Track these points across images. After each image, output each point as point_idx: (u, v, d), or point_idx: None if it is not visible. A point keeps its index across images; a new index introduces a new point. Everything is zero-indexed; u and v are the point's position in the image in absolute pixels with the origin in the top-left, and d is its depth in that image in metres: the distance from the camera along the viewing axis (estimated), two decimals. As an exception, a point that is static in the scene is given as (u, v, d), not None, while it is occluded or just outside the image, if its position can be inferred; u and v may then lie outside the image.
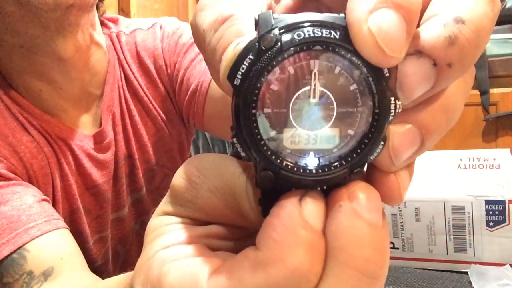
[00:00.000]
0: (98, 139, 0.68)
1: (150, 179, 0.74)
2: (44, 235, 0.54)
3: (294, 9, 0.23)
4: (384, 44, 0.16)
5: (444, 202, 0.68)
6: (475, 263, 0.66)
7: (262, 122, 0.18)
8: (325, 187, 0.18)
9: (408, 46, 0.17)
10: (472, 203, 0.66)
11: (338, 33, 0.17)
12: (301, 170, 0.18)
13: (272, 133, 0.18)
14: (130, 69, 0.71)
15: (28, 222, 0.54)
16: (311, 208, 0.17)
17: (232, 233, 0.22)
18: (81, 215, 0.67)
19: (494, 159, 0.74)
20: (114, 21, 0.75)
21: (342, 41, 0.17)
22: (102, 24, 0.72)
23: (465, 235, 0.67)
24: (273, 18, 0.17)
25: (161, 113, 0.72)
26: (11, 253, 0.53)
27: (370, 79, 0.17)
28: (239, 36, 0.19)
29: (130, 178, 0.72)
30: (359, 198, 0.18)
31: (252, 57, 0.17)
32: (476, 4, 0.17)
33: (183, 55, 0.70)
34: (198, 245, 0.21)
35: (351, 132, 0.18)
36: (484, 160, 0.74)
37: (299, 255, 0.17)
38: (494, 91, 1.82)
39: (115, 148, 0.69)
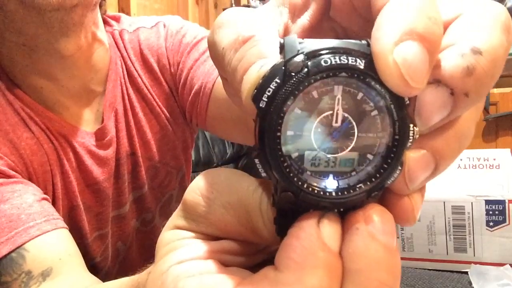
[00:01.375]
0: (100, 136, 0.68)
1: (152, 177, 0.74)
2: (43, 235, 0.54)
3: (310, 29, 0.24)
4: (408, 75, 0.16)
5: (444, 202, 0.68)
6: (475, 263, 0.66)
7: (285, 144, 0.18)
8: (342, 210, 0.19)
9: (429, 76, 0.17)
10: (472, 203, 0.66)
11: (363, 61, 0.17)
12: (321, 192, 0.18)
13: (294, 155, 0.18)
14: (134, 67, 0.71)
15: (28, 221, 0.54)
16: (329, 230, 0.18)
17: (244, 249, 0.22)
18: (81, 212, 0.67)
19: (494, 159, 0.74)
20: (117, 19, 0.75)
21: (367, 69, 0.17)
22: (104, 22, 0.72)
23: (465, 235, 0.67)
24: (299, 43, 0.18)
25: (165, 111, 0.72)
26: (10, 252, 0.53)
27: (392, 106, 0.17)
28: (261, 58, 0.19)
29: (133, 175, 0.72)
30: (375, 221, 0.18)
31: (278, 81, 0.17)
32: (493, 34, 0.18)
33: (186, 54, 0.70)
34: (213, 261, 0.21)
35: (370, 156, 0.18)
36: (484, 160, 0.74)
37: (319, 276, 0.17)
38: (494, 91, 1.83)
39: (117, 145, 0.69)
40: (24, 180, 0.60)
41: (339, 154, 0.18)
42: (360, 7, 0.21)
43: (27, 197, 0.56)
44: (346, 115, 0.18)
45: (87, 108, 0.68)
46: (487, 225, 0.66)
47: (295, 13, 0.24)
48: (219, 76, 0.66)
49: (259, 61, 0.19)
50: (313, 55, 0.17)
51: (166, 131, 0.73)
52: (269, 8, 0.24)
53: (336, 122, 0.18)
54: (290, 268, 0.18)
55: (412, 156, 0.19)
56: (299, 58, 0.17)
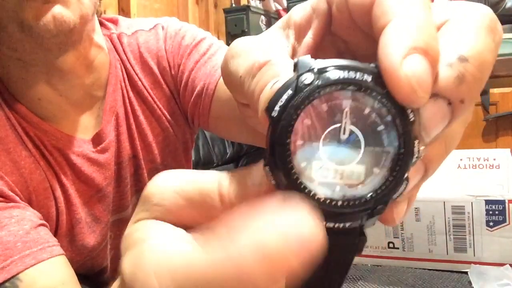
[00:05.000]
0: (97, 141, 0.67)
1: None
2: (38, 264, 0.54)
3: (314, 46, 0.25)
4: (417, 86, 0.18)
5: (444, 202, 0.68)
6: (475, 263, 0.66)
7: (295, 153, 0.19)
8: (346, 223, 0.19)
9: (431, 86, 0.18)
10: (472, 203, 0.66)
11: (370, 77, 0.18)
12: (327, 202, 0.19)
13: (303, 164, 0.19)
14: (134, 70, 0.71)
15: (24, 250, 0.54)
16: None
17: None
18: (83, 225, 0.67)
19: (494, 159, 0.74)
20: (114, 21, 0.74)
21: (374, 84, 0.18)
22: (101, 24, 0.72)
23: (465, 235, 0.67)
24: (312, 61, 0.19)
25: (166, 113, 0.72)
26: (4, 282, 0.52)
27: (398, 121, 0.18)
28: (276, 77, 0.21)
29: (135, 178, 0.72)
30: None
31: (290, 92, 0.19)
32: (477, 39, 0.19)
33: (187, 56, 0.70)
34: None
35: (376, 170, 0.19)
36: (484, 160, 0.74)
37: None
38: (494, 91, 1.83)
39: (118, 148, 0.69)
40: (21, 204, 0.59)
41: (346, 166, 0.19)
42: (360, 22, 0.22)
43: (24, 224, 0.56)
44: (353, 128, 0.19)
45: (87, 114, 0.68)
46: (487, 225, 0.66)
47: (300, 33, 0.25)
48: (221, 77, 0.66)
49: (273, 79, 0.20)
50: (324, 70, 0.19)
51: (167, 133, 0.73)
52: (276, 31, 0.26)
53: (344, 134, 0.19)
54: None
55: None
56: (310, 72, 0.19)
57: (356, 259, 0.74)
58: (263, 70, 0.21)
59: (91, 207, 0.67)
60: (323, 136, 0.19)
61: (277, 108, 0.19)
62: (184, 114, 0.74)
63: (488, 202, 0.66)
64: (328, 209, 0.19)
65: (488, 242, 0.66)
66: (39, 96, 0.63)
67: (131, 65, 0.71)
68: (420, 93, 0.18)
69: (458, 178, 0.74)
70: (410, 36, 0.18)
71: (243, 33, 2.50)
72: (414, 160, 0.19)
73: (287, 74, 0.20)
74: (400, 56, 0.18)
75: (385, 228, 0.70)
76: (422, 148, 0.19)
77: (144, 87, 0.71)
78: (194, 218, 0.21)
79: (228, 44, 0.87)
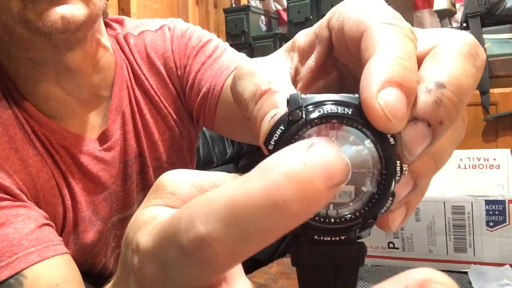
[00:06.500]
0: (103, 139, 0.68)
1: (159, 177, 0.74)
2: (42, 262, 0.54)
3: (316, 69, 0.27)
4: (390, 115, 0.20)
5: (444, 202, 0.68)
6: (475, 263, 0.66)
7: None
8: (341, 236, 0.21)
9: (409, 114, 0.21)
10: (472, 203, 0.66)
11: (351, 109, 0.21)
12: (321, 219, 0.21)
13: None
14: (141, 70, 0.72)
15: (28, 247, 0.55)
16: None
17: None
18: (87, 223, 0.67)
19: (494, 159, 0.74)
20: (120, 22, 0.75)
21: (354, 116, 0.21)
22: (107, 25, 0.72)
23: (465, 235, 0.67)
24: (301, 98, 0.22)
25: (172, 112, 0.73)
26: (9, 278, 0.53)
27: (378, 146, 0.21)
28: (274, 108, 0.23)
29: (141, 176, 0.73)
30: None
31: (283, 128, 0.22)
32: (455, 65, 0.21)
33: (193, 57, 0.71)
34: None
35: (364, 189, 0.22)
36: (484, 160, 0.74)
37: None
38: (494, 91, 1.82)
39: (125, 147, 0.70)
40: (28, 203, 0.60)
41: (337, 192, 0.21)
42: (353, 51, 0.24)
43: (30, 222, 0.57)
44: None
45: (94, 113, 0.69)
46: (487, 225, 0.66)
47: (303, 56, 0.28)
48: (227, 79, 0.67)
49: (271, 112, 0.23)
50: (311, 106, 0.22)
51: (173, 132, 0.74)
52: (281, 54, 0.29)
53: None
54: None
55: None
56: (299, 109, 0.22)
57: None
58: (263, 99, 0.24)
59: (96, 205, 0.68)
60: None
61: (272, 142, 0.22)
62: (189, 113, 0.74)
63: (488, 202, 0.66)
64: (324, 226, 0.21)
65: (488, 242, 0.66)
66: (48, 95, 0.64)
67: (138, 65, 0.71)
68: (394, 121, 0.20)
69: (458, 178, 0.74)
70: (386, 70, 0.20)
71: (243, 33, 2.50)
72: (397, 178, 0.21)
73: (283, 106, 0.23)
74: (376, 89, 0.20)
75: (385, 228, 0.70)
76: (405, 166, 0.21)
77: (151, 86, 0.72)
78: None
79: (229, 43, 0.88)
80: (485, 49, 1.79)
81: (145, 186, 0.73)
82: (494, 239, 0.66)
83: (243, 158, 2.47)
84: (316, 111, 0.21)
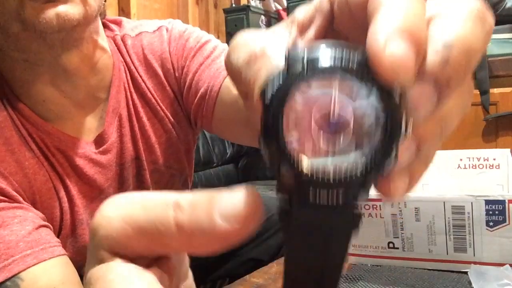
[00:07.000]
0: (100, 142, 0.68)
1: (157, 180, 0.74)
2: (39, 264, 0.54)
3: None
4: (400, 66, 0.19)
5: (444, 202, 0.68)
6: (475, 263, 0.66)
7: (287, 132, 0.20)
8: (340, 193, 0.20)
9: (417, 69, 0.20)
10: (472, 203, 0.66)
11: (355, 61, 0.19)
12: (318, 174, 0.19)
13: (296, 142, 0.20)
14: (138, 72, 0.71)
15: (25, 249, 0.54)
16: None
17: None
18: (85, 226, 0.67)
19: (494, 159, 0.74)
20: (118, 23, 0.75)
21: (358, 68, 0.19)
22: (105, 26, 0.72)
23: (465, 235, 0.67)
24: (301, 50, 0.20)
25: (169, 115, 0.73)
26: (5, 280, 0.53)
27: (384, 100, 0.19)
28: (270, 67, 0.22)
29: (137, 179, 0.73)
30: None
31: (281, 79, 0.20)
32: (463, 27, 0.20)
33: (191, 59, 0.71)
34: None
35: (366, 147, 0.20)
36: (484, 160, 0.74)
37: None
38: (494, 91, 1.82)
39: (121, 150, 0.70)
40: (24, 204, 0.60)
41: (337, 145, 0.20)
42: (359, 19, 0.23)
43: (27, 224, 0.57)
44: (342, 110, 0.20)
45: (90, 116, 0.69)
46: (487, 225, 0.66)
47: (303, 30, 0.26)
48: (225, 79, 0.67)
49: (268, 69, 0.22)
50: (312, 57, 0.20)
51: (170, 135, 0.74)
52: (279, 28, 0.27)
53: (334, 117, 0.20)
54: None
55: None
56: (299, 61, 0.20)
57: (356, 259, 0.75)
58: (258, 60, 0.23)
59: (94, 208, 0.67)
60: (313, 120, 0.20)
61: (268, 96, 0.20)
62: (187, 116, 0.74)
63: (488, 202, 0.66)
64: (321, 183, 0.19)
65: (488, 242, 0.66)
66: (43, 97, 0.63)
67: (135, 67, 0.71)
68: (402, 74, 0.19)
69: (458, 178, 0.74)
70: (395, 22, 0.20)
71: (243, 33, 2.49)
72: (402, 136, 0.20)
73: (281, 63, 0.21)
74: (384, 39, 0.19)
75: (385, 228, 0.70)
76: (409, 127, 0.20)
77: (148, 89, 0.71)
78: (147, 246, 0.20)
79: (228, 44, 0.88)
80: (485, 49, 1.80)
81: (142, 189, 0.73)
82: (494, 239, 0.66)
83: (243, 158, 2.46)
84: (318, 62, 0.19)
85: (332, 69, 0.19)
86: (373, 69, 0.19)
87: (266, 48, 0.23)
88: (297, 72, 0.20)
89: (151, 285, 0.20)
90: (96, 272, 0.20)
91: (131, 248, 0.20)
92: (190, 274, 0.26)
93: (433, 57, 0.20)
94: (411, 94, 0.20)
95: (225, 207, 0.20)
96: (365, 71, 0.19)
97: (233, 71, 0.25)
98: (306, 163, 0.20)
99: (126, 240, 0.20)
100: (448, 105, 0.21)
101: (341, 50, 0.20)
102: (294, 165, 0.20)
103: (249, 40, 0.25)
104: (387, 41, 0.19)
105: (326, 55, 0.20)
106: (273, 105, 0.20)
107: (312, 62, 0.20)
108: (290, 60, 0.20)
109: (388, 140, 0.20)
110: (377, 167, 0.20)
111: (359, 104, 0.20)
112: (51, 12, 0.54)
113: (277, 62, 0.22)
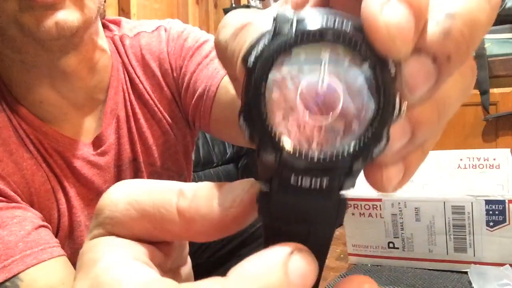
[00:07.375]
0: (98, 143, 0.67)
1: None
2: (39, 264, 0.54)
3: None
4: (396, 33, 0.17)
5: (444, 202, 0.68)
6: (475, 263, 0.66)
7: (270, 105, 0.18)
8: (324, 175, 0.18)
9: (416, 40, 0.17)
10: (472, 203, 0.66)
11: (349, 26, 0.17)
12: (303, 156, 0.17)
13: (279, 116, 0.18)
14: (135, 73, 0.71)
15: (25, 250, 0.54)
16: (297, 268, 0.17)
17: (162, 255, 0.22)
18: (83, 228, 0.67)
19: (494, 159, 0.74)
20: (117, 23, 0.74)
21: (354, 33, 0.17)
22: (104, 26, 0.72)
23: (465, 235, 0.67)
24: (291, 13, 0.18)
25: (167, 116, 0.72)
26: (5, 281, 0.52)
27: (378, 72, 0.17)
28: (256, 34, 0.20)
29: None
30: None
31: (266, 43, 0.17)
32: None
33: (189, 58, 0.70)
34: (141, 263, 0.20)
35: (355, 124, 0.18)
36: (484, 160, 0.74)
37: None
38: (494, 91, 1.82)
39: (119, 151, 0.69)
40: (23, 204, 0.60)
41: (324, 120, 0.18)
42: None
43: (26, 224, 0.56)
44: (332, 80, 0.18)
45: (88, 117, 0.68)
46: (487, 225, 0.66)
47: (297, 6, 0.24)
48: (223, 79, 0.66)
49: (253, 35, 0.19)
50: (302, 20, 0.17)
51: (167, 136, 0.73)
52: (273, 6, 0.25)
53: (322, 86, 0.17)
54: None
55: None
56: (288, 22, 0.17)
57: (356, 259, 0.75)
58: (244, 30, 0.21)
59: (91, 210, 0.67)
60: (300, 88, 0.18)
61: (252, 58, 0.17)
62: (185, 116, 0.74)
63: (488, 202, 0.66)
64: (305, 163, 0.17)
65: (488, 242, 0.66)
66: (41, 98, 0.63)
67: (132, 68, 0.71)
68: (399, 42, 0.17)
69: (458, 178, 0.74)
70: None
71: (243, 33, 2.50)
72: (395, 116, 0.17)
73: (268, 27, 0.19)
74: (380, 2, 0.17)
75: (385, 228, 0.70)
76: (404, 105, 0.18)
77: (145, 90, 0.71)
78: (149, 231, 0.20)
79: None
80: (485, 49, 1.80)
81: None
82: (494, 239, 0.66)
83: (243, 158, 2.46)
84: (308, 25, 0.17)
85: (323, 31, 0.17)
86: (367, 36, 0.17)
87: (254, 20, 0.21)
88: (284, 33, 0.17)
89: (136, 253, 0.20)
90: (88, 244, 0.21)
91: (133, 231, 0.21)
92: (188, 260, 0.26)
93: (433, 28, 0.18)
94: (407, 69, 0.18)
95: (225, 195, 0.20)
96: (359, 38, 0.17)
97: (220, 49, 0.23)
98: (289, 141, 0.18)
99: (129, 223, 0.20)
100: (447, 85, 0.19)
101: (334, 15, 0.18)
102: (276, 142, 0.18)
103: (237, 16, 0.23)
104: (383, 4, 0.17)
105: (317, 18, 0.17)
106: (257, 68, 0.17)
107: (302, 24, 0.17)
108: (278, 22, 0.18)
109: (379, 118, 0.17)
110: (366, 147, 0.17)
111: (350, 74, 0.17)
112: (51, 21, 0.54)
113: (262, 27, 0.20)
